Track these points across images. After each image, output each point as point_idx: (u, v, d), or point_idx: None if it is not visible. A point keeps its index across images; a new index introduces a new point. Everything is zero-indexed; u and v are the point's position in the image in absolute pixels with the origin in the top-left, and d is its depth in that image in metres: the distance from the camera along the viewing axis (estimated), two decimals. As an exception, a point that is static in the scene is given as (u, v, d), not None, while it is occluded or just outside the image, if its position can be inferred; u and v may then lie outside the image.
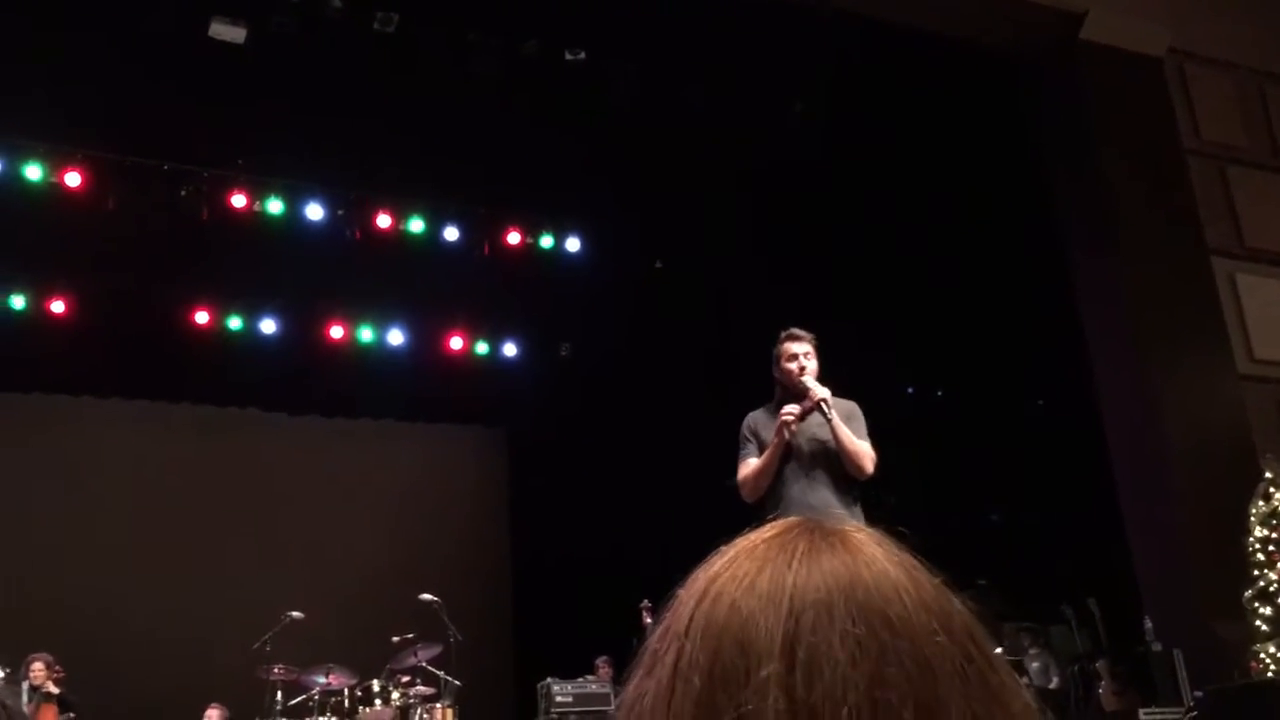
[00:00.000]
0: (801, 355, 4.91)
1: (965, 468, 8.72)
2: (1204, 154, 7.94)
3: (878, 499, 4.96)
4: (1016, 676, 0.74)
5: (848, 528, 0.77)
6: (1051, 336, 8.24)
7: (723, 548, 0.80)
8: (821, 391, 4.78)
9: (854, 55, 8.09)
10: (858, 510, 4.81)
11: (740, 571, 0.73)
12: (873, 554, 0.73)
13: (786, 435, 4.78)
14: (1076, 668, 7.48)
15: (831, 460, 4.79)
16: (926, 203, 8.81)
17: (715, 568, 0.77)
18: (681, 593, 0.78)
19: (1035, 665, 7.57)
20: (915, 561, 0.75)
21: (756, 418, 5.02)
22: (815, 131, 8.81)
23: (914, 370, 9.11)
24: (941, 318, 8.96)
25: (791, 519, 0.80)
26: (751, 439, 4.97)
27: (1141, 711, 6.51)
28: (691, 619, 0.72)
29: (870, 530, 0.77)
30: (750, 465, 4.89)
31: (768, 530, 0.79)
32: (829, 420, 4.75)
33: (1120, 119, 7.75)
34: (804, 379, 4.85)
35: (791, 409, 4.79)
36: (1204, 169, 7.89)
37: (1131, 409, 7.29)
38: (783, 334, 5.02)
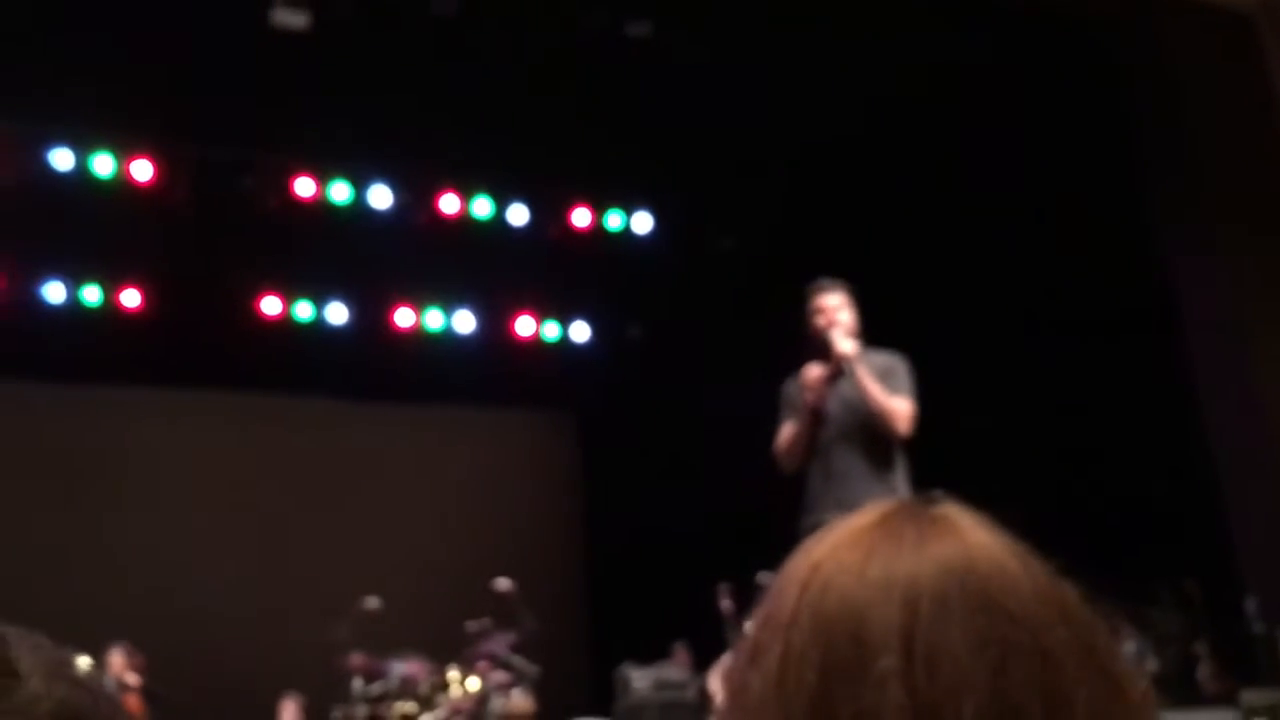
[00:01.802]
0: (831, 309, 4.67)
1: (1062, 450, 8.60)
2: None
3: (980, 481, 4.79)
4: (1132, 665, 0.73)
5: (952, 512, 0.76)
6: (1143, 313, 8.07)
7: (820, 533, 0.80)
8: (845, 346, 4.56)
9: (923, 27, 7.96)
10: (898, 474, 4.59)
11: (846, 560, 0.73)
12: (983, 540, 0.73)
13: (810, 399, 4.57)
14: (1175, 650, 7.35)
15: (864, 422, 4.55)
16: (1004, 181, 8.65)
17: (816, 555, 0.76)
18: (780, 580, 0.77)
19: (1132, 648, 7.45)
20: (1022, 548, 0.74)
21: (792, 382, 4.81)
22: (887, 106, 8.69)
23: (1005, 351, 8.98)
24: (1032, 296, 8.82)
25: (890, 503, 0.79)
26: (788, 406, 4.78)
27: (1243, 693, 6.38)
28: (798, 609, 0.72)
29: (974, 514, 0.77)
30: (783, 435, 4.71)
31: (869, 515, 0.78)
32: (853, 377, 4.53)
33: (1209, 82, 7.52)
34: (831, 332, 4.61)
35: (814, 374, 4.59)
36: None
37: (1230, 386, 7.14)
38: (810, 286, 4.81)
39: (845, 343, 4.56)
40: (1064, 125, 8.26)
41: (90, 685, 0.68)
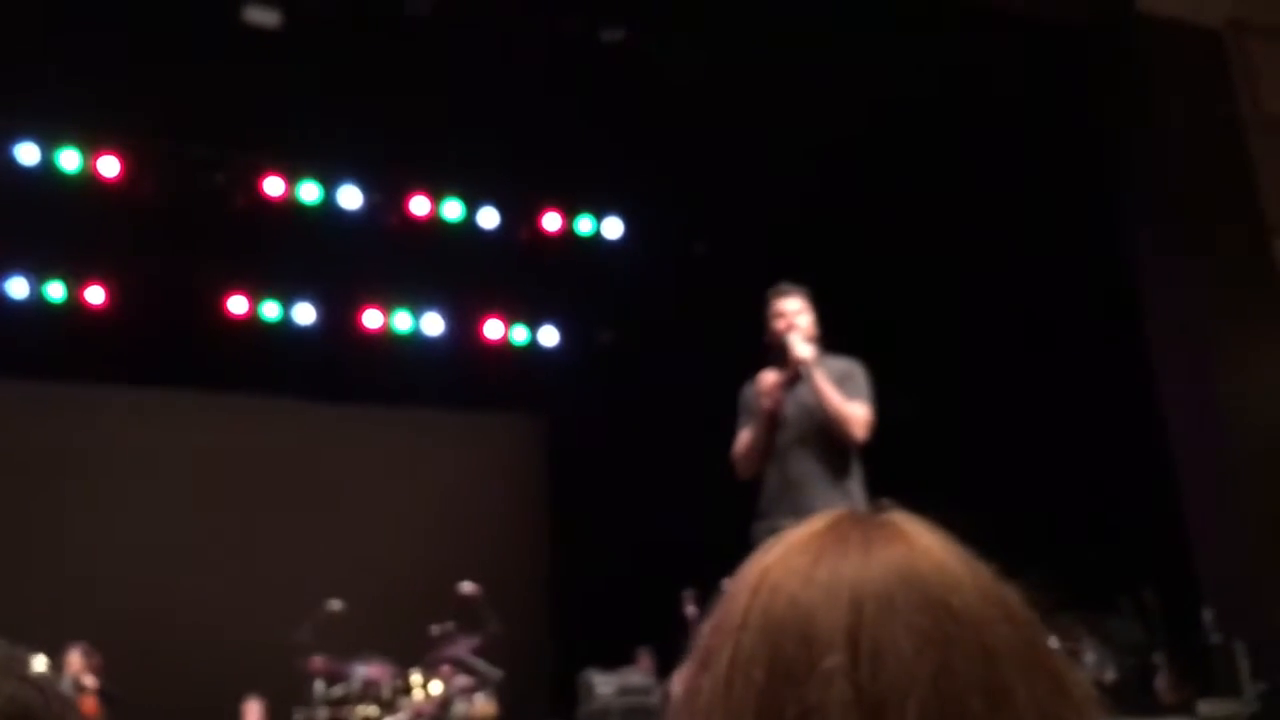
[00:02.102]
0: (790, 313, 4.64)
1: (1018, 455, 8.65)
2: (1266, 129, 7.81)
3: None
4: (1076, 666, 0.75)
5: (899, 519, 0.78)
6: (1107, 320, 8.15)
7: (769, 541, 0.81)
8: (802, 351, 4.53)
9: (897, 31, 8.02)
10: (854, 480, 4.56)
11: (795, 564, 0.74)
12: (927, 544, 0.74)
13: (767, 403, 4.53)
14: (1133, 659, 7.42)
15: (820, 427, 4.53)
16: (973, 185, 8.73)
17: (766, 561, 0.77)
18: (731, 586, 0.79)
19: (1091, 657, 7.52)
20: (966, 552, 0.76)
21: (750, 387, 4.77)
22: (859, 112, 8.74)
23: (966, 353, 9.04)
24: (993, 299, 8.88)
25: (839, 511, 0.81)
26: (745, 411, 4.75)
27: (1200, 704, 6.46)
28: (747, 613, 0.73)
29: (921, 521, 0.78)
30: (740, 441, 4.67)
31: (817, 523, 0.80)
32: (811, 382, 4.50)
33: (1178, 94, 7.64)
34: (789, 336, 4.58)
35: (769, 380, 4.57)
36: (1266, 145, 7.76)
37: (1191, 395, 7.22)
38: (770, 290, 4.77)
39: (803, 347, 4.54)
40: (1034, 129, 8.35)
41: (41, 684, 0.68)
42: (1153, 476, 7.49)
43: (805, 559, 0.74)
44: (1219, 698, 6.44)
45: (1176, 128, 7.58)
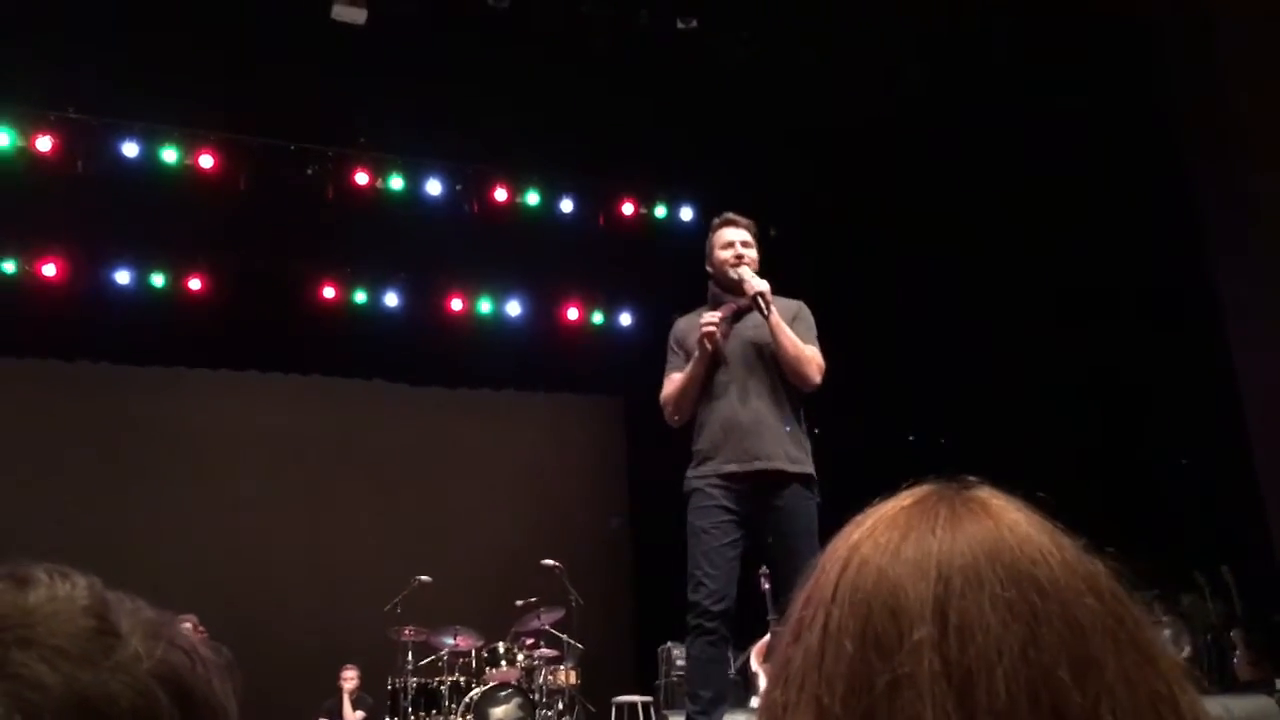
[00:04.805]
0: (738, 244, 4.28)
1: (1094, 432, 8.51)
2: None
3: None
4: (1162, 635, 0.75)
5: (984, 493, 0.78)
6: (1182, 294, 7.96)
7: (857, 517, 0.82)
8: (759, 284, 4.11)
9: (965, 15, 7.89)
10: (801, 428, 4.16)
11: (883, 540, 0.75)
12: (1014, 518, 0.74)
13: (709, 346, 4.10)
14: (1209, 637, 7.27)
15: (769, 367, 4.14)
16: (1047, 167, 8.57)
17: (854, 537, 0.78)
18: (822, 561, 0.80)
19: (1167, 634, 7.38)
20: (1053, 525, 0.76)
21: (683, 325, 4.38)
22: (930, 95, 8.62)
23: (1040, 328, 8.89)
24: (1070, 276, 8.73)
25: (926, 485, 0.81)
26: (678, 350, 4.34)
27: (1278, 680, 6.31)
28: (837, 586, 0.74)
29: (1007, 495, 0.78)
30: (673, 381, 4.28)
31: (904, 498, 0.80)
32: (767, 318, 4.08)
33: (1249, 72, 7.38)
34: (739, 270, 4.21)
35: (712, 316, 4.12)
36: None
37: (1269, 369, 7.02)
38: (716, 220, 4.43)
39: (758, 280, 4.15)
40: (1106, 109, 8.16)
41: (188, 647, 0.71)
42: (1229, 452, 7.31)
43: (893, 534, 0.75)
44: (1298, 674, 6.29)
45: (1246, 84, 7.29)
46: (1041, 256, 8.78)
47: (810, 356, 4.15)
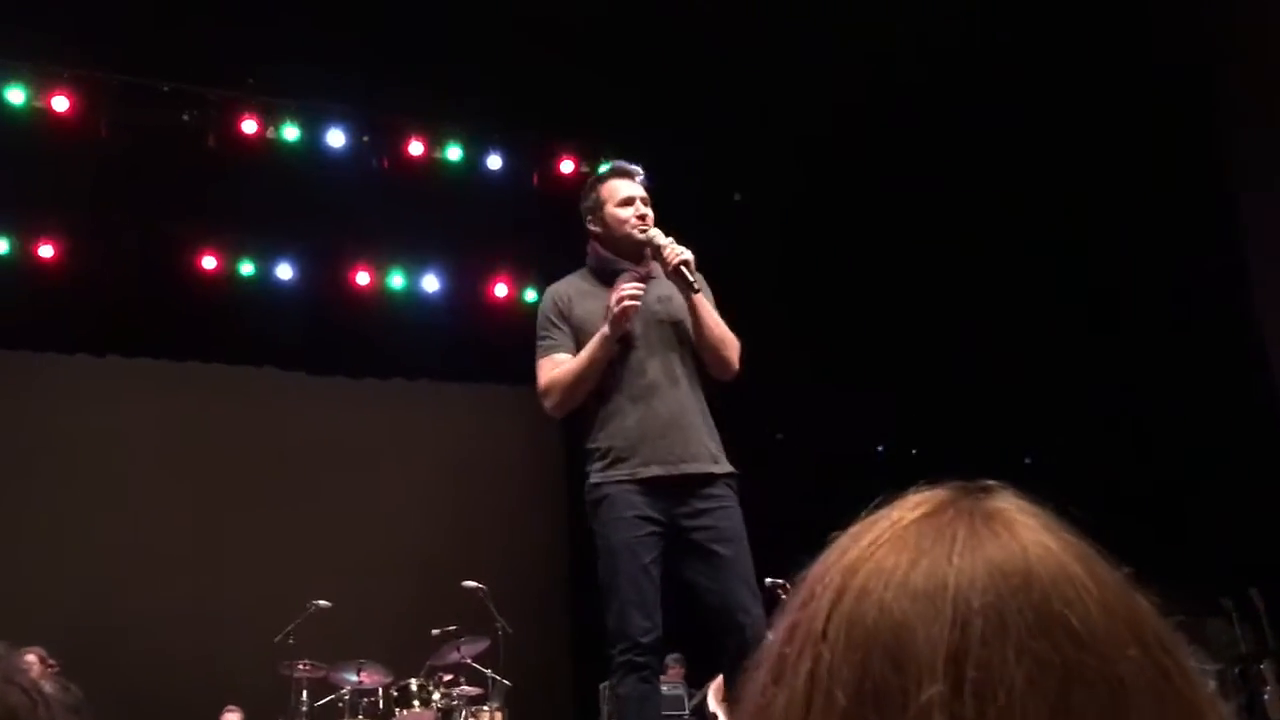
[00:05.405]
0: (639, 200, 4.19)
1: (1114, 445, 8.65)
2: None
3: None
4: (1213, 691, 0.73)
5: (1009, 505, 0.76)
6: (1215, 305, 8.15)
7: (852, 528, 0.79)
8: (682, 252, 4.01)
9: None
10: (710, 421, 4.11)
11: (888, 563, 0.72)
12: (1043, 541, 0.72)
13: (626, 324, 3.95)
14: (1238, 669, 7.40)
15: (684, 351, 4.08)
16: (1048, 136, 8.70)
17: (851, 556, 0.76)
18: (811, 584, 0.77)
19: (1212, 685, 7.50)
20: (1089, 549, 0.74)
21: (567, 293, 4.21)
22: (913, 54, 8.68)
23: (1054, 334, 9.05)
24: (1089, 278, 8.92)
25: (938, 491, 0.78)
26: (560, 325, 4.16)
27: (1314, 721, 6.43)
28: (829, 619, 0.72)
29: (1033, 507, 0.76)
30: (558, 365, 4.12)
31: (913, 507, 0.77)
32: (696, 292, 4.00)
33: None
34: (651, 232, 4.10)
35: (634, 288, 3.97)
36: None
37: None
38: (602, 171, 4.33)
39: (679, 247, 4.04)
40: (1120, 81, 8.29)
41: (29, 685, 0.69)
42: (1259, 469, 7.45)
43: (900, 557, 0.73)
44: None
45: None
46: (1056, 256, 8.95)
47: (732, 339, 4.12)
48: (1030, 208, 8.94)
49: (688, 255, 4.02)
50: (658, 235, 4.11)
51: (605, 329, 3.98)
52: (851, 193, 9.58)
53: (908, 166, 9.17)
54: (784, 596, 0.82)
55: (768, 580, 5.25)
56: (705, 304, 4.08)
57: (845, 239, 9.84)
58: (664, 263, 4.05)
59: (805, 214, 9.94)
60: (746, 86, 9.06)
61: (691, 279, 3.98)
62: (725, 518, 4.01)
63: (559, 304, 4.19)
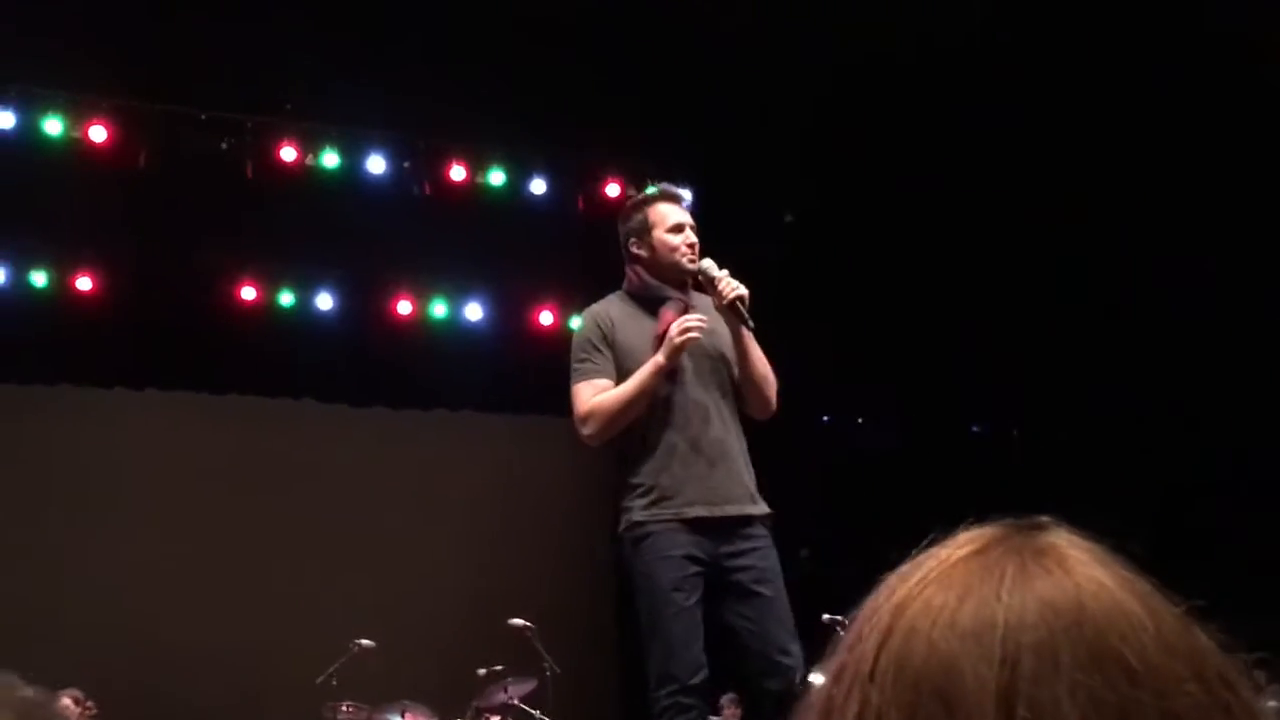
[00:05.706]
0: (689, 227, 4.21)
1: (1186, 464, 8.56)
2: None
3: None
4: None
5: (1061, 540, 0.76)
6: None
7: (902, 568, 0.80)
8: (737, 286, 4.01)
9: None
10: (748, 458, 4.16)
11: (936, 602, 0.73)
12: (1097, 577, 0.72)
13: (679, 344, 3.95)
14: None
15: (726, 386, 4.11)
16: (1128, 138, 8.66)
17: (899, 595, 0.76)
18: (860, 625, 0.78)
19: (1272, 704, 7.36)
20: (1146, 585, 0.74)
21: (609, 315, 4.22)
22: (975, 71, 8.68)
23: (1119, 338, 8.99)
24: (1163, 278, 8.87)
25: (989, 528, 0.79)
26: (602, 349, 4.15)
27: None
28: (878, 660, 0.73)
29: (1087, 543, 0.76)
30: (600, 390, 4.10)
31: (962, 545, 0.78)
32: (750, 329, 4.06)
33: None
34: (704, 263, 4.12)
35: (695, 318, 3.97)
36: None
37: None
38: (650, 194, 4.38)
39: (734, 281, 4.05)
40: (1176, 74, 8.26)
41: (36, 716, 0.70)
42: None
43: (948, 595, 0.73)
44: None
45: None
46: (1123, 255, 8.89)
47: (773, 379, 4.18)
48: (1048, 210, 8.92)
49: (743, 291, 4.02)
50: (711, 266, 4.12)
51: (659, 357, 3.98)
52: (852, 195, 9.58)
53: (913, 168, 9.17)
54: (840, 633, 0.82)
55: (824, 616, 5.24)
56: (753, 344, 4.11)
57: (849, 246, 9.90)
58: (718, 295, 4.05)
59: (862, 220, 9.97)
60: (790, 103, 9.08)
61: (745, 315, 4.01)
62: (764, 558, 4.06)
63: (602, 327, 4.18)
